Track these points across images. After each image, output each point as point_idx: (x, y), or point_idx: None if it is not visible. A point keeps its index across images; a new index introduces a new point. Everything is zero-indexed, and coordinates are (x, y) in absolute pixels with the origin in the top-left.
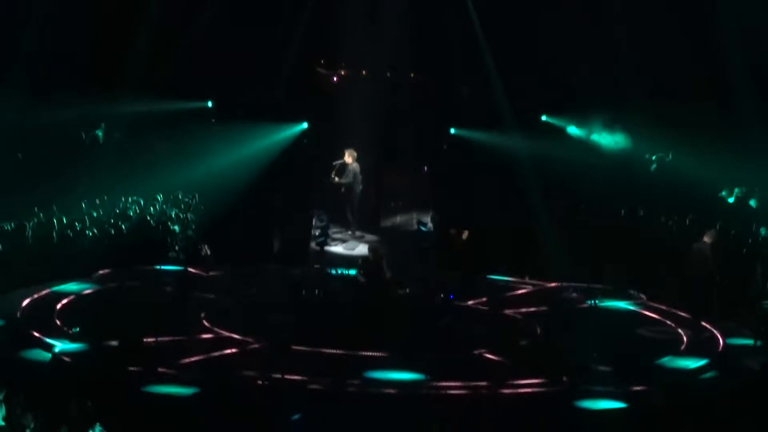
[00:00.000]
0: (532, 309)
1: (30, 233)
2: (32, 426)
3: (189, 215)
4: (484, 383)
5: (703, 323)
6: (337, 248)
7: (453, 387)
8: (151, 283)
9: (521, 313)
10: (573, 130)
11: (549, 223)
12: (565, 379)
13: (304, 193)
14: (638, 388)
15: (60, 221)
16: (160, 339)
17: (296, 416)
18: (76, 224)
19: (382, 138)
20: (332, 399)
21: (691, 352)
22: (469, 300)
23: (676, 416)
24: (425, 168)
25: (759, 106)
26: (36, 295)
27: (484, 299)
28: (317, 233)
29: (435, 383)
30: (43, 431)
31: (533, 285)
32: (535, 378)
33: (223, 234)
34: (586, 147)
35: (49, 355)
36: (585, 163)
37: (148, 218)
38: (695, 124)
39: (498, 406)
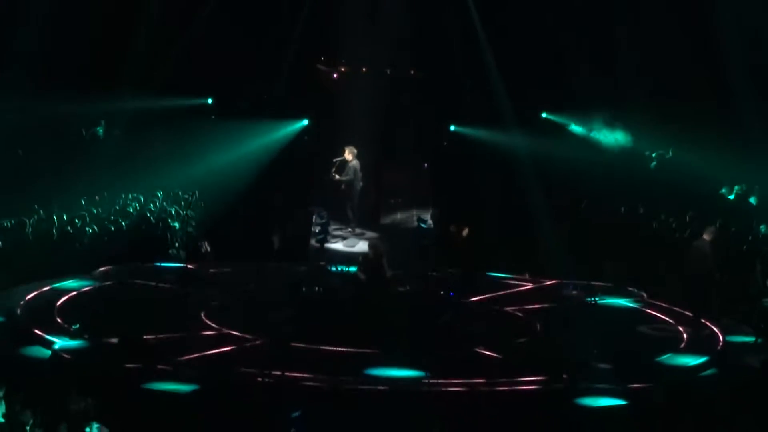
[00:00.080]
0: (533, 307)
1: (30, 230)
2: (31, 423)
3: (189, 212)
4: (484, 380)
5: (704, 321)
6: (337, 245)
7: (453, 384)
8: (151, 280)
9: (522, 311)
10: (574, 127)
11: (549, 220)
12: (565, 376)
13: (304, 190)
14: (638, 385)
15: (60, 218)
16: (159, 336)
17: (296, 413)
18: (76, 221)
19: (382, 135)
20: (332, 396)
21: (691, 349)
22: (471, 297)
23: (676, 414)
24: (425, 165)
25: (759, 104)
26: (36, 292)
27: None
28: (317, 230)
29: (435, 380)
30: (43, 428)
31: (533, 282)
32: (536, 375)
33: (223, 231)
34: (586, 144)
35: (48, 352)
36: (585, 161)
37: (148, 215)
38: (695, 122)
39: (498, 404)
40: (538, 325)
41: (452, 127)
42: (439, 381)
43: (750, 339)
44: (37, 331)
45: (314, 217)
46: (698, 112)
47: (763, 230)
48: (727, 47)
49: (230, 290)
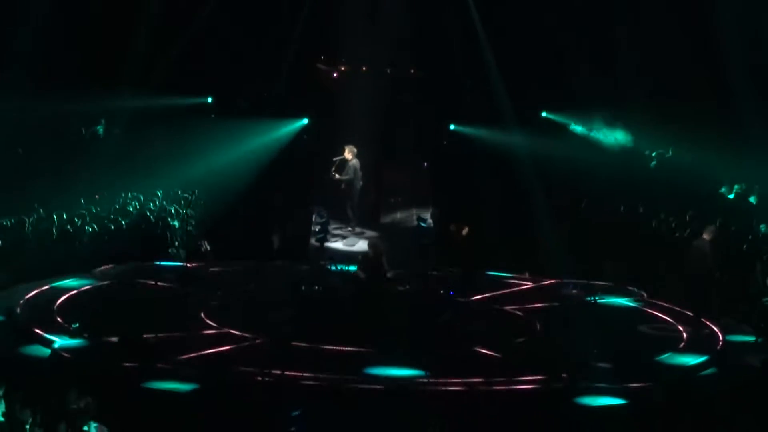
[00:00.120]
0: (534, 306)
1: (30, 229)
2: (30, 421)
3: (189, 211)
4: (484, 380)
5: (704, 320)
6: (337, 244)
7: (452, 383)
8: (151, 279)
9: (523, 310)
10: (574, 127)
11: (549, 219)
12: (564, 375)
13: (304, 189)
14: (638, 384)
15: (60, 217)
16: (159, 335)
17: (296, 412)
18: (76, 220)
19: (382, 134)
20: (332, 395)
21: (691, 349)
22: (472, 296)
23: (676, 413)
24: (425, 164)
25: (759, 104)
26: (35, 291)
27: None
28: (317, 229)
29: (435, 380)
30: (43, 427)
31: (533, 282)
32: (535, 375)
33: (222, 230)
34: (586, 144)
35: (48, 351)
36: (585, 160)
37: (148, 214)
38: (695, 121)
39: (498, 403)
40: (538, 325)
41: (452, 127)
42: (438, 380)
43: (750, 338)
44: (36, 330)
45: (314, 216)
46: (698, 112)
47: (763, 229)
48: (727, 47)
49: (230, 290)
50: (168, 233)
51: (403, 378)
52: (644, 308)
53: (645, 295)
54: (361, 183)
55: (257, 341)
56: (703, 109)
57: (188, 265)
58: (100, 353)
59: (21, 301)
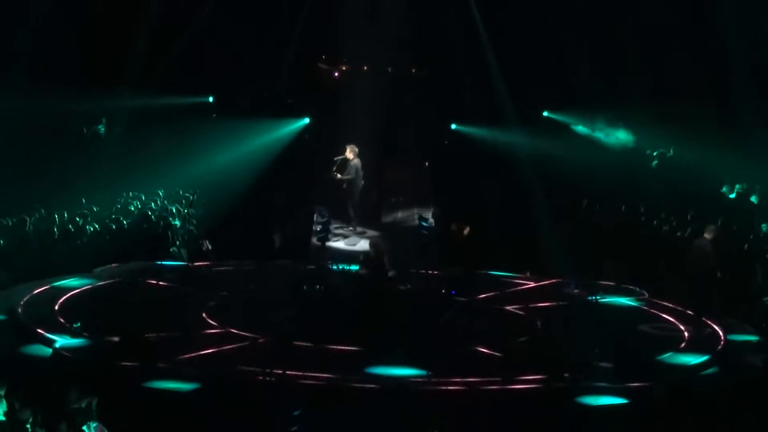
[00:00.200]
0: (534, 305)
1: (31, 228)
2: (31, 421)
3: (190, 210)
4: (484, 379)
5: (705, 319)
6: (339, 244)
7: (454, 383)
8: (152, 278)
9: (524, 310)
10: (575, 126)
11: (550, 219)
12: (566, 375)
13: (305, 188)
14: (639, 384)
15: (61, 216)
16: (160, 334)
17: (297, 411)
18: (77, 219)
19: (384, 133)
20: (333, 394)
21: (692, 348)
22: (474, 296)
23: (678, 413)
24: (426, 163)
25: (759, 103)
26: (37, 291)
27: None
28: (318, 229)
29: (436, 379)
30: (44, 427)
31: (534, 281)
32: (537, 374)
33: (224, 229)
34: (587, 143)
35: (49, 351)
36: (586, 160)
37: (149, 213)
38: (696, 121)
39: (499, 402)
40: (539, 324)
41: (453, 126)
42: (439, 380)
43: (751, 338)
44: (38, 330)
45: (315, 215)
46: (699, 111)
47: (764, 229)
48: (727, 47)
49: (232, 289)
50: (169, 233)
51: (404, 377)
52: (645, 308)
53: (646, 294)
54: (362, 182)
55: (259, 341)
56: (704, 108)
57: (191, 264)
58: (101, 353)
59: (22, 301)
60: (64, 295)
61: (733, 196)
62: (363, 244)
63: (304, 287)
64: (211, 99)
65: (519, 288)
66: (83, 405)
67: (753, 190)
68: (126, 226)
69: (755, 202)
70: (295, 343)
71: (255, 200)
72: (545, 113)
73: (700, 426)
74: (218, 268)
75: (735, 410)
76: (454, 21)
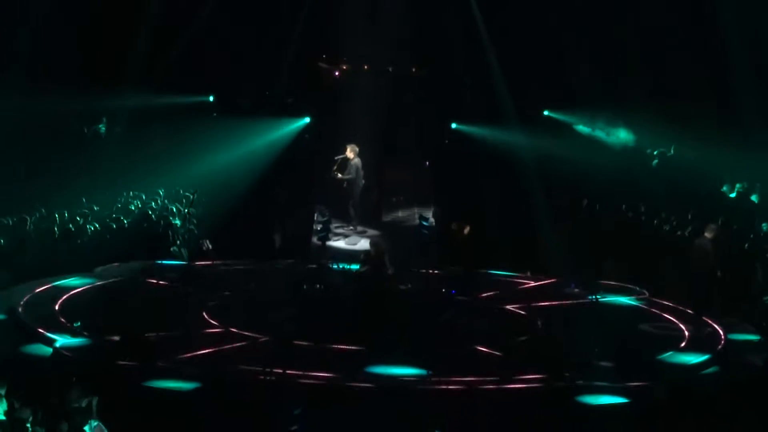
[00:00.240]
0: (535, 304)
1: (31, 227)
2: (31, 419)
3: (190, 210)
4: (485, 378)
5: (705, 319)
6: (339, 243)
7: (454, 382)
8: (152, 277)
9: (525, 309)
10: (576, 126)
11: (550, 218)
12: (566, 374)
13: (305, 188)
14: (640, 383)
15: (61, 216)
16: (161, 333)
17: (297, 411)
18: (78, 219)
19: (384, 133)
20: (333, 394)
21: (692, 347)
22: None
23: (678, 412)
24: (426, 163)
25: (760, 102)
26: (37, 290)
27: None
28: (319, 228)
29: (436, 378)
30: (44, 426)
31: (535, 281)
32: (537, 373)
33: (224, 229)
34: (588, 143)
35: (50, 350)
36: (587, 159)
37: (150, 213)
38: (697, 120)
39: (499, 402)
40: (539, 323)
41: (454, 125)
42: (440, 379)
43: (751, 337)
44: (38, 329)
45: (316, 215)
46: (699, 111)
47: (764, 228)
48: (728, 46)
49: (232, 288)
50: (170, 232)
51: (405, 377)
52: (646, 307)
53: (647, 293)
54: (362, 182)
55: (260, 340)
56: (704, 107)
57: (193, 263)
58: (102, 352)
59: (22, 300)
60: (65, 294)
61: (733, 195)
62: (363, 244)
63: (305, 287)
64: (211, 98)
65: (519, 287)
66: (83, 404)
67: (753, 189)
68: (126, 225)
69: (755, 201)
70: (296, 342)
71: (255, 200)
72: (546, 112)
73: (700, 425)
74: (218, 268)
75: (735, 409)
76: (454, 20)
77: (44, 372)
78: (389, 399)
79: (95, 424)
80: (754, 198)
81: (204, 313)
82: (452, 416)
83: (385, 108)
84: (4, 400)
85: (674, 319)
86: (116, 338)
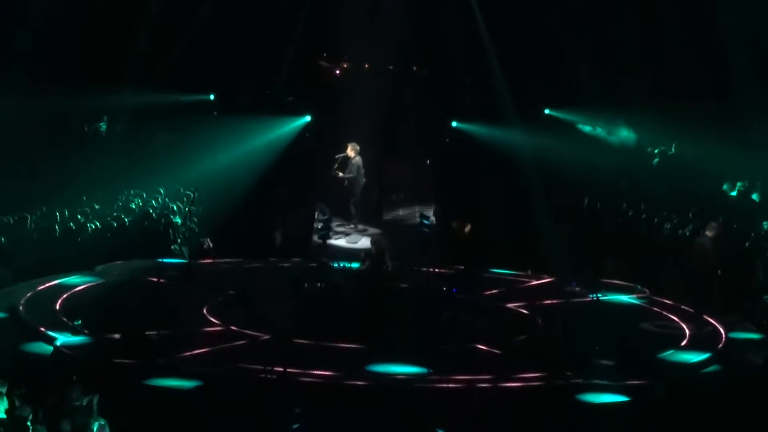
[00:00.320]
0: (536, 303)
1: (32, 226)
2: (31, 417)
3: (191, 208)
4: (486, 377)
5: (706, 317)
6: (340, 242)
7: (455, 380)
8: (153, 276)
9: (526, 307)
10: (577, 124)
11: (551, 217)
12: (567, 372)
13: (306, 186)
14: (640, 382)
15: (62, 214)
16: (161, 332)
17: (298, 409)
18: (79, 217)
19: (385, 131)
20: (334, 392)
21: (693, 346)
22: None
23: (679, 410)
24: (427, 161)
25: (761, 101)
26: (38, 288)
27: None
28: (319, 227)
29: (437, 377)
30: (44, 424)
31: (535, 279)
32: (538, 371)
33: (225, 227)
34: (589, 141)
35: (50, 348)
36: (587, 158)
37: (150, 211)
38: (697, 118)
39: (500, 400)
40: (540, 321)
41: (454, 124)
42: (440, 377)
43: (752, 335)
44: (39, 328)
45: (317, 213)
46: (700, 109)
47: (765, 227)
48: (728, 44)
49: (233, 287)
50: (170, 230)
51: (405, 375)
52: (647, 305)
53: (647, 292)
54: (363, 180)
55: (260, 338)
56: (704, 106)
57: (194, 262)
58: (103, 350)
59: (23, 299)
60: (66, 292)
61: (734, 193)
62: (364, 242)
63: (305, 285)
64: (212, 97)
65: (520, 286)
66: (84, 403)
67: (754, 188)
68: (127, 223)
69: (756, 200)
70: (296, 340)
71: (256, 198)
72: (546, 111)
73: (701, 424)
74: (219, 266)
75: (736, 408)
76: (454, 19)
77: (45, 370)
78: (390, 397)
79: (102, 423)
80: (754, 197)
81: (205, 311)
82: (453, 414)
83: (385, 106)
84: (5, 398)
85: (675, 318)
86: (117, 337)
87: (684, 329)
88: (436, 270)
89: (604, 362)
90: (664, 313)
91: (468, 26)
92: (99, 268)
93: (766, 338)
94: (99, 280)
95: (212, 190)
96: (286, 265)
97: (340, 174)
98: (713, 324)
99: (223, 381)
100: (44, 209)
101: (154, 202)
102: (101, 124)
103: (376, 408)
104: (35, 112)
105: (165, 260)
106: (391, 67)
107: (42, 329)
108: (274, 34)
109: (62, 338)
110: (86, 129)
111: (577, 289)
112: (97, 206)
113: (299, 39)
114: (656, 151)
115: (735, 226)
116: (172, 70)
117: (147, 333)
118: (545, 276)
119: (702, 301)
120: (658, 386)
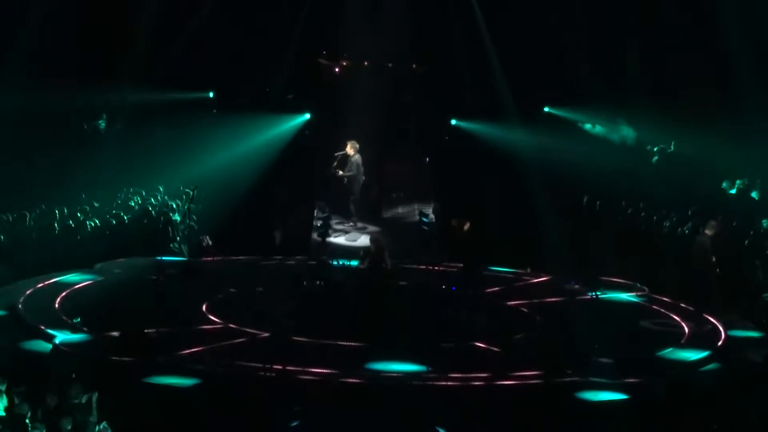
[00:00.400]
0: (535, 301)
1: (31, 224)
2: (30, 415)
3: (190, 206)
4: (485, 374)
5: (705, 315)
6: (339, 239)
7: (454, 378)
8: (152, 273)
9: (525, 306)
10: (577, 123)
11: (551, 215)
12: (567, 370)
13: (305, 184)
14: (639, 379)
15: (61, 211)
16: (161, 329)
17: (297, 407)
18: (78, 215)
19: (384, 129)
20: (333, 390)
21: (692, 344)
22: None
23: (677, 408)
24: (427, 159)
25: (761, 99)
26: (37, 286)
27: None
28: (319, 225)
29: (436, 374)
30: (44, 422)
31: (535, 277)
32: (537, 369)
33: (224, 225)
34: (589, 139)
35: (50, 346)
36: (587, 156)
37: (150, 209)
38: (697, 117)
39: (499, 398)
40: (539, 319)
41: (454, 122)
42: (439, 375)
43: (751, 334)
44: (38, 325)
45: (316, 211)
46: (700, 108)
47: (765, 225)
48: (729, 42)
49: (232, 284)
50: (170, 228)
51: (405, 373)
52: (646, 303)
53: (647, 290)
54: (363, 178)
55: (259, 336)
56: (704, 104)
57: (191, 259)
58: (102, 348)
59: (22, 297)
60: (65, 290)
61: (733, 192)
62: (363, 240)
63: (305, 283)
64: (211, 94)
65: (520, 284)
66: (83, 400)
67: (754, 186)
68: (126, 221)
69: (756, 198)
70: (295, 338)
71: (255, 196)
72: (546, 109)
73: (700, 422)
74: (218, 264)
75: (735, 406)
76: (454, 17)
77: (44, 368)
78: (389, 395)
79: (102, 426)
80: (754, 195)
81: (204, 309)
82: (452, 412)
83: (385, 105)
84: (4, 396)
85: (674, 316)
86: (116, 334)
87: (683, 327)
88: (435, 267)
89: (604, 360)
90: (664, 311)
91: (468, 24)
92: (98, 266)
93: (765, 336)
94: (98, 278)
95: (212, 187)
96: (280, 264)
97: (340, 172)
98: (713, 322)
99: (222, 379)
100: (43, 207)
101: (153, 199)
102: (100, 121)
103: (375, 406)
104: (35, 109)
105: (164, 258)
106: (390, 66)
107: (41, 327)
108: (274, 32)
109: (61, 336)
110: (85, 127)
111: (577, 287)
112: (96, 204)
113: (299, 37)
114: (656, 149)
115: (734, 224)
116: (171, 67)
117: (146, 331)
118: (544, 274)
119: (701, 299)
120: (657, 384)
